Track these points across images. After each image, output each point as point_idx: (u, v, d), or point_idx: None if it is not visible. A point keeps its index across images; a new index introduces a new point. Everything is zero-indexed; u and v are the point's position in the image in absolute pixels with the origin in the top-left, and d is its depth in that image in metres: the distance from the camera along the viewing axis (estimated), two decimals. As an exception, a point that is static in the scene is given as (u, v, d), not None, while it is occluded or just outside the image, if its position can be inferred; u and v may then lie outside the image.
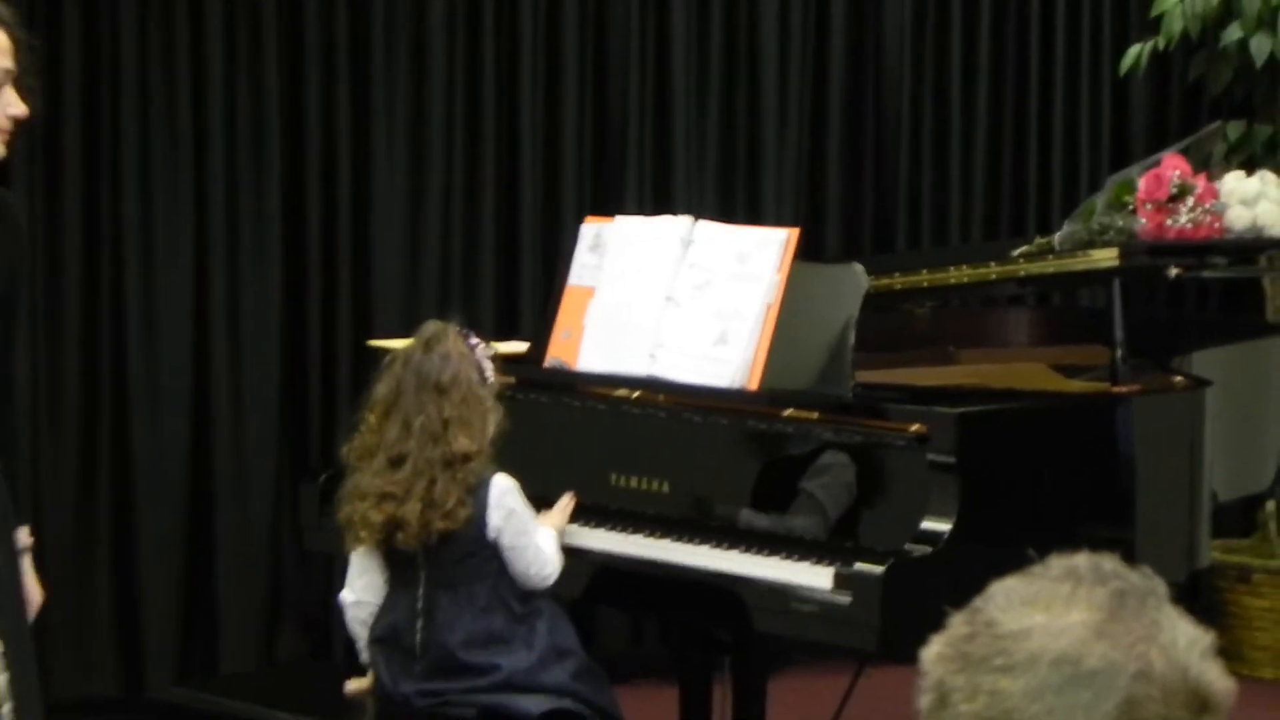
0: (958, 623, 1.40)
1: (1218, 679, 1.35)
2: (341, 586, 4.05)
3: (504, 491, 3.84)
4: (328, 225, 5.75)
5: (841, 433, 3.85)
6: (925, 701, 1.39)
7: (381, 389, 3.87)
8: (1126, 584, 1.39)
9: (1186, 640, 1.36)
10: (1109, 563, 1.40)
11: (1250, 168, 4.93)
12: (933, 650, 1.40)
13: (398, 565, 3.89)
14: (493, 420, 3.85)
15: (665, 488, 4.06)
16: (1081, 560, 1.40)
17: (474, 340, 3.89)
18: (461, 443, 3.79)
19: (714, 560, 3.87)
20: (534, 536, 3.87)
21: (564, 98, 5.95)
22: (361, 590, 3.94)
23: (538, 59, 5.92)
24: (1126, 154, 6.41)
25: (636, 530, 4.03)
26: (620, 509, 4.08)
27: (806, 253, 4.17)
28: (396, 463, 3.82)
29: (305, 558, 5.63)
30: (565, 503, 4.04)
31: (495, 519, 3.83)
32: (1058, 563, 1.41)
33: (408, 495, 3.79)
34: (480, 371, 3.86)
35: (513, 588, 3.87)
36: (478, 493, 3.81)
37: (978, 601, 1.41)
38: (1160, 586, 1.40)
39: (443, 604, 3.84)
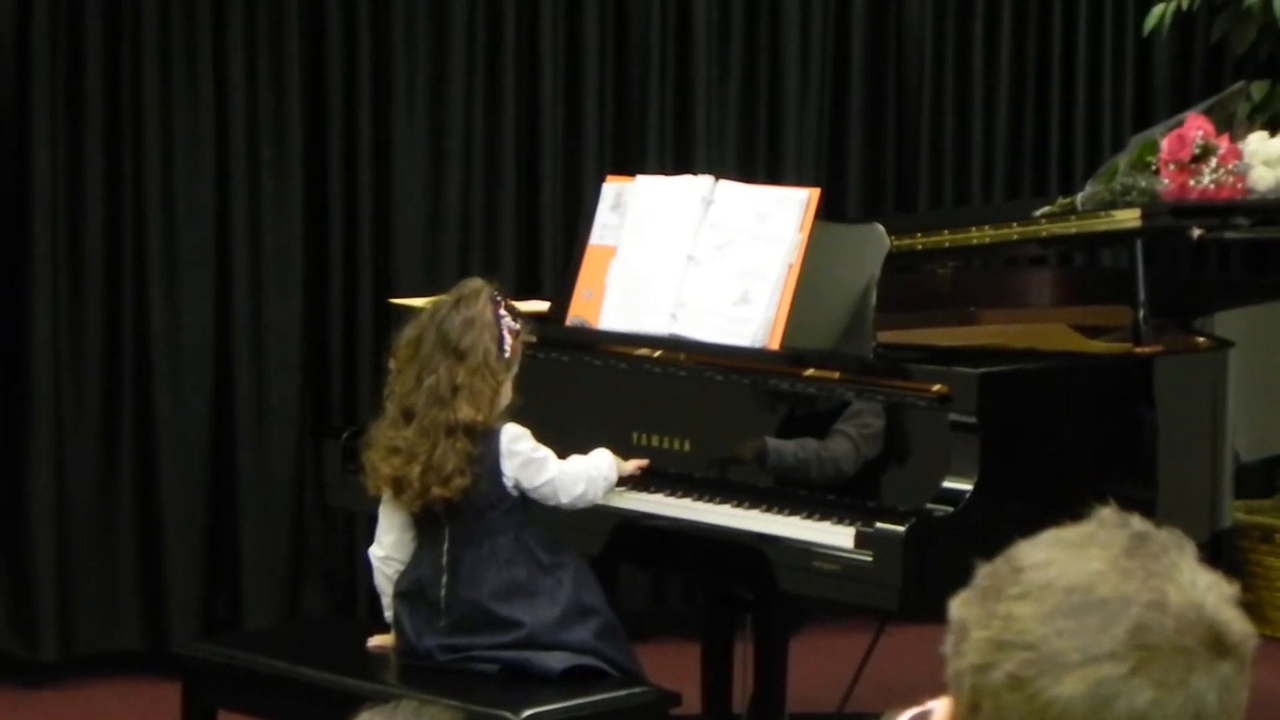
0: (983, 571, 1.42)
1: (1235, 621, 1.35)
2: (365, 543, 4.07)
3: (513, 438, 3.85)
4: (349, 182, 5.75)
5: (863, 392, 3.86)
6: (948, 644, 1.41)
7: (408, 333, 3.89)
8: (1147, 530, 1.40)
9: (1205, 582, 1.36)
10: (1135, 518, 1.41)
11: (1274, 128, 4.90)
12: (958, 597, 1.42)
13: (423, 523, 3.91)
14: (504, 395, 3.86)
15: (687, 446, 4.07)
16: (1107, 510, 1.41)
17: (503, 312, 3.88)
18: (465, 411, 3.79)
19: (736, 519, 3.88)
20: (551, 470, 3.87)
21: (585, 56, 5.93)
22: (390, 547, 3.96)
23: (559, 16, 5.90)
24: (1149, 114, 6.38)
25: (658, 489, 4.04)
26: (642, 468, 4.08)
27: (828, 212, 4.18)
28: (407, 416, 3.84)
29: (328, 514, 5.65)
30: (638, 461, 4.05)
31: (509, 467, 3.84)
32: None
33: (412, 458, 3.81)
34: (499, 344, 3.86)
35: (539, 537, 3.89)
36: (488, 444, 3.82)
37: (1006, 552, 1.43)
38: (1184, 541, 1.40)
39: (467, 560, 3.85)
